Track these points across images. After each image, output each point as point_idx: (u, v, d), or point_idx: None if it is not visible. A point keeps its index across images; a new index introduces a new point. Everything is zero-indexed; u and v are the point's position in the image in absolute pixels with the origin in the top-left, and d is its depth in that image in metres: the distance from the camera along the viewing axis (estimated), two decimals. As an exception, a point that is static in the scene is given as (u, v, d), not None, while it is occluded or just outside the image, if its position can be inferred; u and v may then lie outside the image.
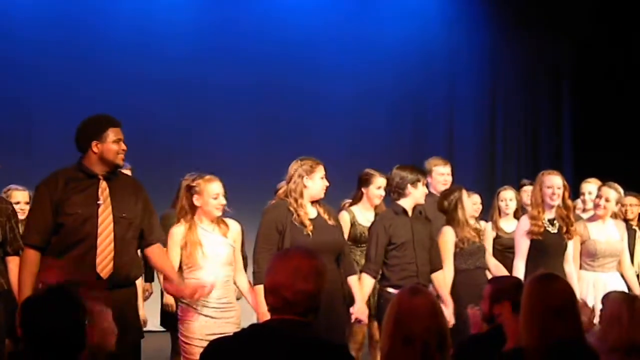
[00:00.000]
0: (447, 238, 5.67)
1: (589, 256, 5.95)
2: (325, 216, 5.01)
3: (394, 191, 5.48)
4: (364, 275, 5.32)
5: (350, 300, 5.17)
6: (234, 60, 9.21)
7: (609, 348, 3.33)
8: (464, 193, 5.78)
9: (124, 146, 4.36)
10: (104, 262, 4.26)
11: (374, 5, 10.15)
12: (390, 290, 5.27)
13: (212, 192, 4.89)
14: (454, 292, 5.55)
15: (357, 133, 9.57)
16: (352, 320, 5.19)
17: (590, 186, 6.50)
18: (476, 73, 10.45)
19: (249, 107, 9.24)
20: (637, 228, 6.59)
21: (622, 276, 6.06)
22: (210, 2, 9.64)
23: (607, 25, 9.72)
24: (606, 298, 3.75)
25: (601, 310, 3.66)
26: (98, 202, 4.30)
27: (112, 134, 4.31)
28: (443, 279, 5.51)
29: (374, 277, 5.35)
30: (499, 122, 10.60)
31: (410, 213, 5.44)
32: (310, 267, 2.59)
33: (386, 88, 9.80)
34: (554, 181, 5.73)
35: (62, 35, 8.77)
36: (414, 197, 5.40)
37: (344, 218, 5.82)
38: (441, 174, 6.34)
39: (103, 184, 4.34)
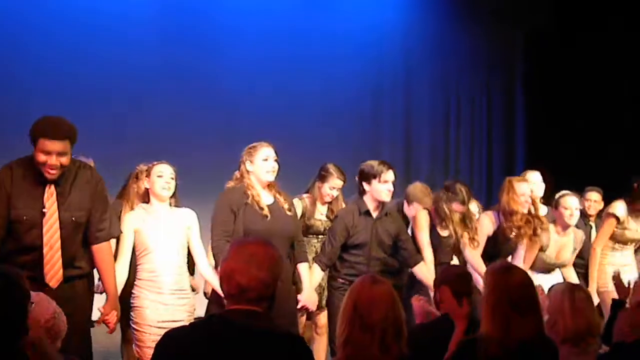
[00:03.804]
0: (420, 219, 5.63)
1: (539, 264, 5.97)
2: (284, 204, 4.97)
3: (358, 185, 5.44)
4: (315, 266, 5.33)
5: (297, 288, 5.18)
6: (192, 53, 9.05)
7: (559, 341, 3.38)
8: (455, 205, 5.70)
9: (53, 161, 3.97)
10: (52, 273, 4.10)
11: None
12: (340, 280, 5.30)
13: (157, 170, 4.90)
14: (414, 278, 5.53)
15: (312, 125, 9.50)
16: (299, 307, 5.12)
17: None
18: (431, 66, 10.48)
19: (208, 99, 9.10)
20: (592, 224, 6.67)
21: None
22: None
23: (559, 17, 9.82)
24: (550, 291, 3.82)
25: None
26: (44, 210, 4.08)
27: (40, 145, 3.97)
28: (427, 271, 5.46)
29: (324, 270, 5.35)
30: (453, 116, 10.66)
31: (374, 212, 5.38)
32: (266, 254, 2.59)
33: (341, 82, 9.75)
34: (527, 189, 5.75)
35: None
36: (370, 194, 5.34)
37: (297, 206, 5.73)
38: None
39: (50, 189, 4.11)
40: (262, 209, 4.83)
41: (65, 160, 4.03)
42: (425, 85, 10.45)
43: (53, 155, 3.98)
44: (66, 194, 4.15)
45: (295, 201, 5.68)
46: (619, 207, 6.21)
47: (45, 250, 4.07)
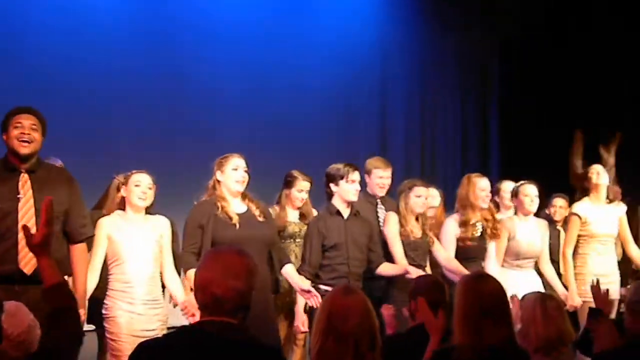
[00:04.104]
0: (390, 224, 5.65)
1: (511, 255, 6.04)
2: (256, 212, 4.96)
3: (326, 189, 5.50)
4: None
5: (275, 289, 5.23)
6: (164, 57, 9.00)
7: (532, 349, 3.41)
8: (417, 190, 5.72)
9: (24, 130, 4.24)
10: (27, 258, 4.16)
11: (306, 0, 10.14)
12: (322, 287, 5.29)
13: (135, 179, 4.88)
14: (389, 287, 5.56)
15: (288, 128, 9.50)
16: (297, 330, 5.30)
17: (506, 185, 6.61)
18: (407, 70, 10.52)
19: (176, 100, 9.05)
20: (561, 228, 6.74)
21: (540, 274, 6.18)
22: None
23: (533, 25, 9.90)
24: (522, 300, 3.85)
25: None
26: (18, 196, 4.21)
27: (14, 121, 4.26)
28: (390, 267, 5.49)
29: (310, 279, 5.32)
30: (428, 120, 10.72)
31: (346, 213, 5.43)
32: (242, 264, 2.57)
33: (316, 87, 9.75)
34: (487, 184, 5.87)
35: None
36: (338, 194, 5.40)
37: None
38: (380, 177, 5.96)
39: (24, 177, 4.26)
40: (231, 218, 4.83)
41: (37, 136, 4.28)
42: (399, 90, 10.49)
43: (26, 127, 4.23)
44: (41, 186, 4.27)
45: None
46: (578, 206, 6.29)
47: (20, 235, 4.12)
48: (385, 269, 5.50)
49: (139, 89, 8.80)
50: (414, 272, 5.29)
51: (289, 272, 5.09)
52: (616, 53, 9.56)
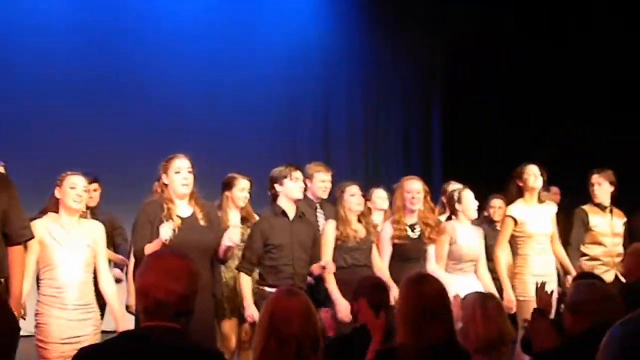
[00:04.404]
0: (328, 231, 5.71)
1: (453, 259, 6.13)
2: (199, 216, 4.93)
3: (270, 192, 5.54)
4: (241, 274, 5.39)
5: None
6: (103, 53, 8.91)
7: (472, 349, 3.46)
8: (349, 189, 5.79)
9: None
10: None
11: (252, 3, 10.11)
12: (268, 289, 5.29)
13: (70, 182, 4.77)
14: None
15: (230, 132, 9.48)
16: (249, 320, 5.28)
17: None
18: (350, 73, 10.59)
19: (120, 101, 8.97)
20: (500, 228, 6.84)
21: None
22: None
23: (478, 28, 10.03)
24: (463, 300, 3.91)
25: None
26: None
27: None
28: (317, 266, 5.51)
29: (250, 274, 5.38)
30: (372, 122, 10.78)
31: (291, 214, 5.46)
32: (183, 268, 2.54)
33: (261, 88, 9.76)
34: (413, 186, 5.96)
35: None
36: (284, 194, 5.45)
37: None
38: (322, 181, 6.17)
39: None
40: (173, 222, 4.79)
41: None
42: (343, 93, 10.55)
43: None
44: None
45: None
46: (512, 208, 6.39)
47: None
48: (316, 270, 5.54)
49: (84, 89, 8.72)
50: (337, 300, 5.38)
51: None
52: (558, 54, 9.75)
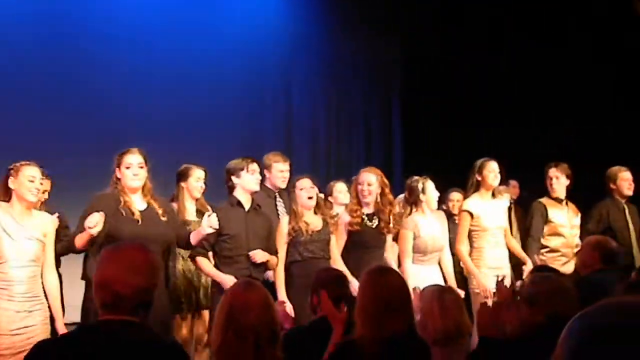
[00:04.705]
0: (280, 226, 5.75)
1: (418, 252, 6.17)
2: (159, 210, 4.96)
3: (226, 184, 5.57)
4: (197, 259, 5.39)
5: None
6: (63, 54, 8.77)
7: (430, 342, 3.50)
8: (298, 183, 5.84)
9: None
10: None
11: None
12: None
13: (28, 174, 4.67)
14: (289, 282, 5.62)
15: (191, 128, 9.40)
16: None
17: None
18: (313, 68, 10.58)
19: (83, 102, 8.84)
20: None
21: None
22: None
23: (437, 29, 10.10)
24: (422, 293, 3.95)
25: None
26: None
27: None
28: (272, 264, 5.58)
29: (205, 256, 5.40)
30: (334, 117, 10.79)
31: (247, 205, 5.49)
32: (144, 260, 2.53)
33: (223, 84, 9.69)
34: (366, 178, 6.01)
35: None
36: (240, 186, 5.49)
37: None
38: (280, 171, 6.30)
39: None
40: (133, 213, 4.82)
41: None
42: (305, 88, 10.54)
43: None
44: None
45: None
46: (468, 202, 6.46)
47: None
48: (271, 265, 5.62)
49: (43, 85, 8.58)
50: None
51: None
52: (507, 54, 9.86)
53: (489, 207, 6.47)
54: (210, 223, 5.01)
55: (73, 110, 8.68)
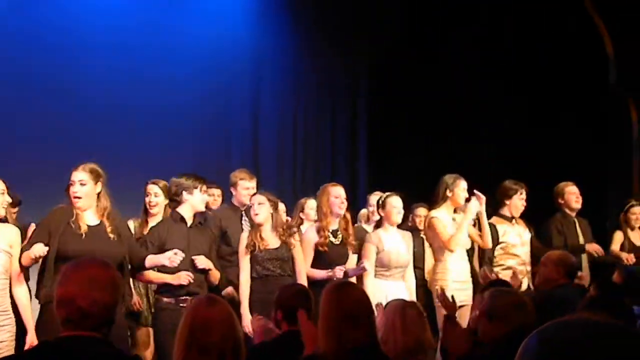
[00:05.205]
0: (240, 241, 5.79)
1: (382, 267, 6.22)
2: (108, 228, 4.89)
3: (172, 198, 5.60)
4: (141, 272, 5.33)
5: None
6: (19, 49, 8.68)
7: (392, 357, 3.51)
8: (253, 199, 5.87)
9: None
10: None
11: (179, 5, 10.02)
12: (166, 299, 5.35)
13: None
14: (251, 299, 5.64)
15: (157, 141, 9.34)
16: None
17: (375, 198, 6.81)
18: (279, 84, 10.57)
19: (39, 106, 8.73)
20: (424, 236, 6.97)
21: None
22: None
23: (397, 44, 10.16)
24: (385, 308, 3.97)
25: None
26: None
27: None
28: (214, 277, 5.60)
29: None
30: (300, 133, 10.80)
31: (189, 221, 5.50)
32: (107, 277, 2.53)
33: (190, 97, 9.63)
34: (341, 191, 6.05)
35: None
36: (190, 203, 5.51)
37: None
38: (246, 188, 6.31)
39: None
40: (80, 228, 4.77)
41: None
42: (272, 104, 10.51)
43: None
44: None
45: (130, 222, 5.74)
46: (436, 213, 6.55)
47: None
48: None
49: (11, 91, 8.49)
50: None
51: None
52: (472, 67, 9.96)
53: (453, 223, 6.55)
54: (173, 259, 4.99)
55: (29, 118, 8.54)
